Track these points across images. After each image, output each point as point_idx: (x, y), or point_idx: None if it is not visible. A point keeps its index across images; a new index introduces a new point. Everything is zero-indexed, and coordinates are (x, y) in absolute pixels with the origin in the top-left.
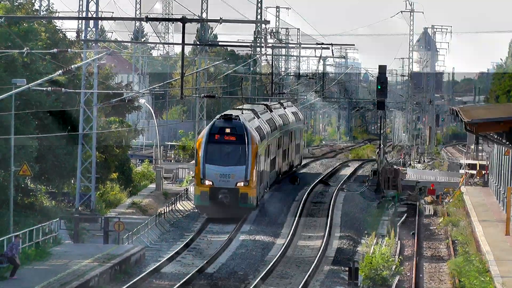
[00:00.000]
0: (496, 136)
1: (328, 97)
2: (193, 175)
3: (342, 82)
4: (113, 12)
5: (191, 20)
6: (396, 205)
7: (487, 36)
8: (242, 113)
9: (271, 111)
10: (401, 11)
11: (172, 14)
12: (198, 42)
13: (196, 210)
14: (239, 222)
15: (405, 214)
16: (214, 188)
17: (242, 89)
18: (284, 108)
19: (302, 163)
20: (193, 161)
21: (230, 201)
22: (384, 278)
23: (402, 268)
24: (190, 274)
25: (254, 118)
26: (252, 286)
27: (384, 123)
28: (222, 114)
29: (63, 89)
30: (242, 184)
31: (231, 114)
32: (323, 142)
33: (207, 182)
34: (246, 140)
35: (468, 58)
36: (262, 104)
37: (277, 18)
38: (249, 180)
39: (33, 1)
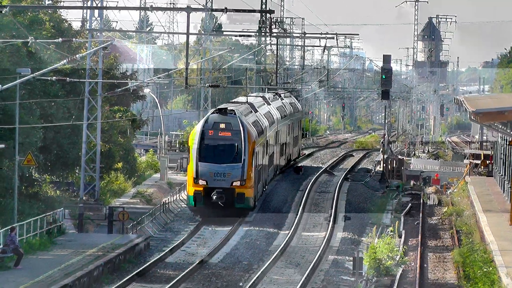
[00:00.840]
0: (500, 126)
1: (333, 86)
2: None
3: (347, 71)
4: (118, 2)
5: (195, 10)
6: (401, 195)
7: (492, 26)
8: (247, 103)
9: (268, 103)
10: (406, 1)
11: (177, 3)
12: (202, 32)
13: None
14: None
15: (410, 204)
16: (208, 188)
17: (247, 79)
18: (282, 99)
19: (306, 153)
20: None
21: (225, 202)
22: (388, 268)
23: (406, 258)
24: (194, 264)
25: (251, 112)
26: (256, 276)
27: (389, 112)
28: (217, 108)
29: (67, 78)
30: (238, 183)
31: (226, 108)
32: (328, 132)
33: (201, 182)
34: (243, 136)
35: (473, 48)
36: (259, 96)
37: (282, 8)
38: (246, 179)
39: None
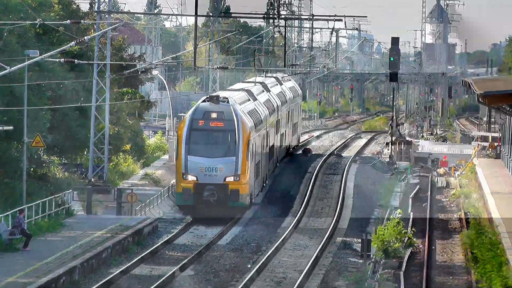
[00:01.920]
0: (508, 108)
1: (341, 68)
2: None
3: (355, 54)
4: None
5: None
6: (408, 177)
7: (500, 8)
8: (245, 91)
9: (268, 90)
10: None
11: None
12: (211, 14)
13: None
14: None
15: (418, 186)
16: (199, 184)
17: (255, 61)
18: (281, 84)
19: (313, 135)
20: None
21: (218, 200)
22: (397, 250)
23: (414, 240)
24: (203, 246)
25: (249, 100)
26: (265, 258)
27: (397, 95)
28: (208, 95)
29: (76, 60)
30: (232, 179)
31: (218, 96)
32: (336, 114)
33: (190, 178)
34: (236, 127)
35: (481, 30)
36: (259, 82)
37: None
38: (240, 174)
39: None
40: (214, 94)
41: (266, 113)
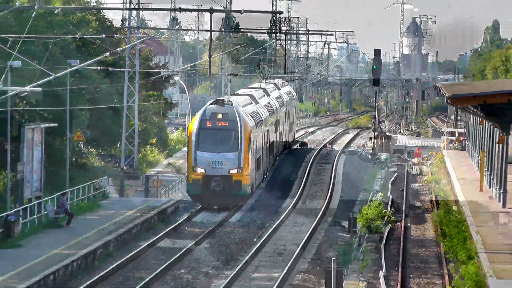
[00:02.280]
0: (472, 108)
1: (332, 75)
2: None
3: (344, 62)
4: (152, 4)
5: (217, 11)
6: (388, 166)
7: (466, 24)
8: (248, 95)
9: (268, 95)
10: (394, 4)
11: (202, 5)
12: (223, 29)
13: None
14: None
15: (396, 174)
16: (207, 176)
17: (260, 69)
18: (279, 89)
19: (310, 131)
20: None
21: (223, 189)
22: (378, 227)
23: (393, 218)
24: (217, 223)
25: (251, 103)
26: (268, 233)
27: (379, 97)
28: (215, 99)
29: (110, 68)
30: (235, 171)
31: (223, 99)
32: (328, 113)
33: (199, 170)
34: (239, 126)
35: (450, 43)
36: (260, 88)
37: (289, 9)
38: (243, 167)
39: None
40: (220, 98)
41: (266, 114)
